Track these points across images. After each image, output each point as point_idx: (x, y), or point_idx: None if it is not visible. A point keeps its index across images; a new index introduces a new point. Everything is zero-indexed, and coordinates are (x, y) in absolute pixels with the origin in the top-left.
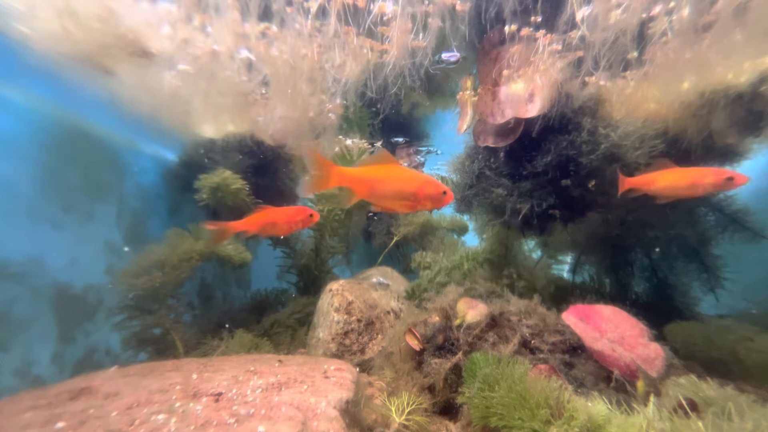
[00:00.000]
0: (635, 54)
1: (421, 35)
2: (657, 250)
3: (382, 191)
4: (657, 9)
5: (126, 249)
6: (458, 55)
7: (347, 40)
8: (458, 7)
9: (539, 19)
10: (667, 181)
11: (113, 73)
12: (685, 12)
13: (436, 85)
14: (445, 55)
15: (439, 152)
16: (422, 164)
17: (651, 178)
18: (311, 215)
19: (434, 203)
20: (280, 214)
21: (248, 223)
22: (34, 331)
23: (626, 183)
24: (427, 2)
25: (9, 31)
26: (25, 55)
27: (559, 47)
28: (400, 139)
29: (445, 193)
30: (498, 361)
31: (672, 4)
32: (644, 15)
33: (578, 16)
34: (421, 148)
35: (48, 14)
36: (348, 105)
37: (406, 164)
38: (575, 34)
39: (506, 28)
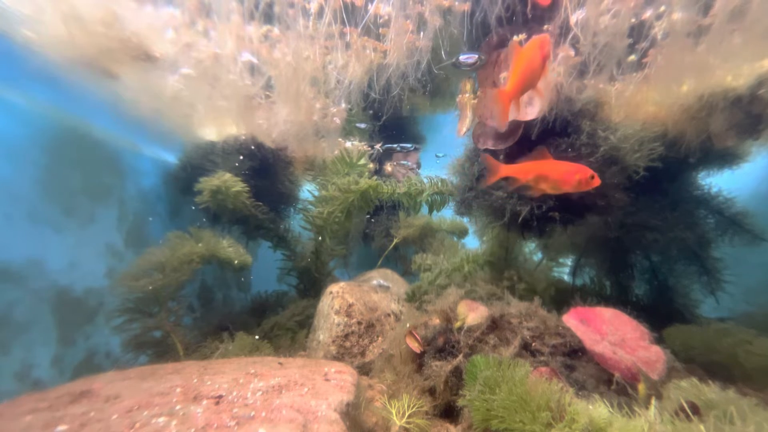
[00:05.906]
0: (634, 57)
1: (421, 34)
2: (656, 253)
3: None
4: (648, 13)
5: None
6: (476, 56)
7: (350, 40)
8: (457, 8)
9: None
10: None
11: (116, 76)
12: (677, 16)
13: (436, 88)
14: (462, 57)
15: (443, 155)
16: (414, 168)
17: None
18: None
19: (581, 186)
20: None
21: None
22: (35, 334)
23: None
24: (424, 3)
25: (14, 35)
26: (29, 59)
27: (563, 52)
28: (362, 125)
29: (592, 176)
30: (499, 364)
31: (662, 8)
32: (633, 20)
33: (572, 20)
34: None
35: (53, 18)
36: (352, 107)
37: (404, 163)
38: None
39: (506, 34)
